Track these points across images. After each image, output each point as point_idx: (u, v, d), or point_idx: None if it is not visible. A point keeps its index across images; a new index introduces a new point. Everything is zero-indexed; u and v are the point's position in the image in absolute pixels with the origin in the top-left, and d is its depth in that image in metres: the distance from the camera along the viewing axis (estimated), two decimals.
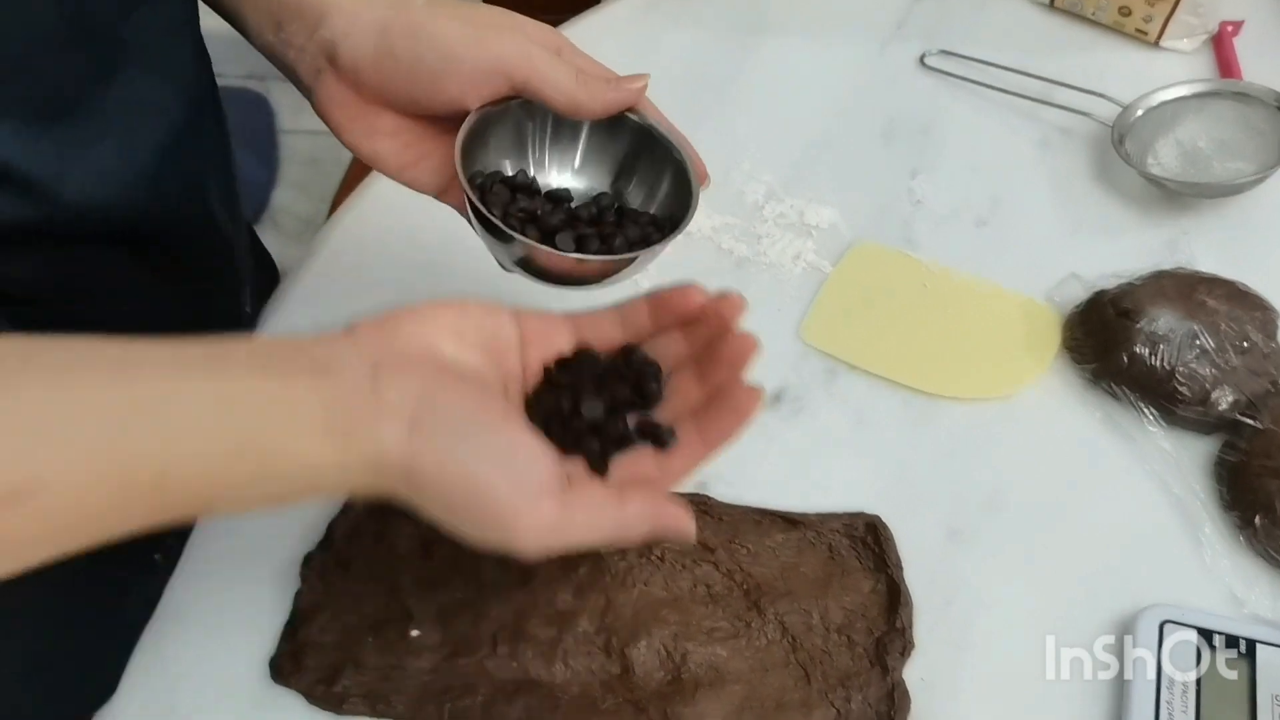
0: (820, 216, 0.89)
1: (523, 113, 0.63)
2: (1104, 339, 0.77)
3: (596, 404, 0.55)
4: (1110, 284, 0.81)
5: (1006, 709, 0.65)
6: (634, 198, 0.66)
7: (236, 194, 0.80)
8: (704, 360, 0.56)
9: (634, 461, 0.56)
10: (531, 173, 0.65)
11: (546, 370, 0.57)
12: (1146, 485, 0.72)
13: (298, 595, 0.68)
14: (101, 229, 0.63)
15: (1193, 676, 0.63)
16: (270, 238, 1.02)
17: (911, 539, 0.71)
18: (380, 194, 0.91)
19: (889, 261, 0.87)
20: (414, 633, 0.66)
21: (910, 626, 0.67)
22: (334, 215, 0.92)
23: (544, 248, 0.58)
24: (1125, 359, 0.75)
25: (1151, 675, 0.63)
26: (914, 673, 0.66)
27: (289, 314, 0.84)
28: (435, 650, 0.66)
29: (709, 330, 0.56)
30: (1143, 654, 0.64)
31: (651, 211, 0.65)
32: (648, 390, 0.57)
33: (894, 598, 0.68)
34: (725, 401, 0.55)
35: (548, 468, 0.49)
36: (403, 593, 0.67)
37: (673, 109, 0.66)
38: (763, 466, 0.75)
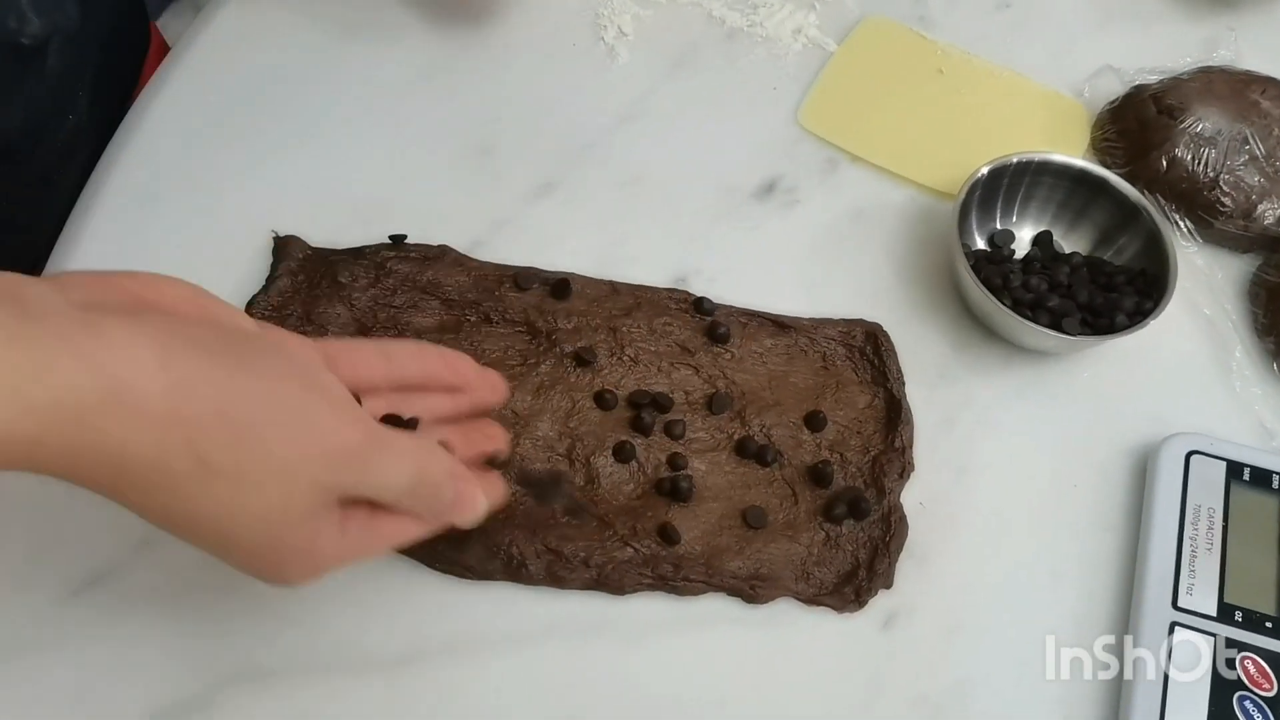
0: None
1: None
2: (1140, 139, 0.68)
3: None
4: (1149, 79, 0.72)
5: (1010, 540, 0.58)
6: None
7: None
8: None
9: None
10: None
11: None
12: (1175, 306, 0.64)
13: None
14: None
15: (1220, 511, 0.57)
16: None
17: (914, 352, 0.63)
18: None
19: (901, 41, 0.76)
20: None
21: (910, 447, 0.60)
22: None
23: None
24: (1164, 163, 0.67)
25: (1175, 507, 0.57)
26: (911, 497, 0.59)
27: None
28: None
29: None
30: (1166, 486, 0.58)
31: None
32: None
33: (893, 414, 0.61)
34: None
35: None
36: None
37: None
38: (749, 262, 0.66)
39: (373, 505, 0.42)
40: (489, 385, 0.52)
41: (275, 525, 0.39)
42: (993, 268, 0.63)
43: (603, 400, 0.59)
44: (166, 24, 1.27)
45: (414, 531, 0.44)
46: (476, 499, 0.45)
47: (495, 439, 0.51)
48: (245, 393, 0.37)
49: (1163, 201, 0.67)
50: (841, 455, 0.59)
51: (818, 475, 0.58)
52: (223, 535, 0.39)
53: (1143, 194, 0.64)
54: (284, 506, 0.38)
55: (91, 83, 0.69)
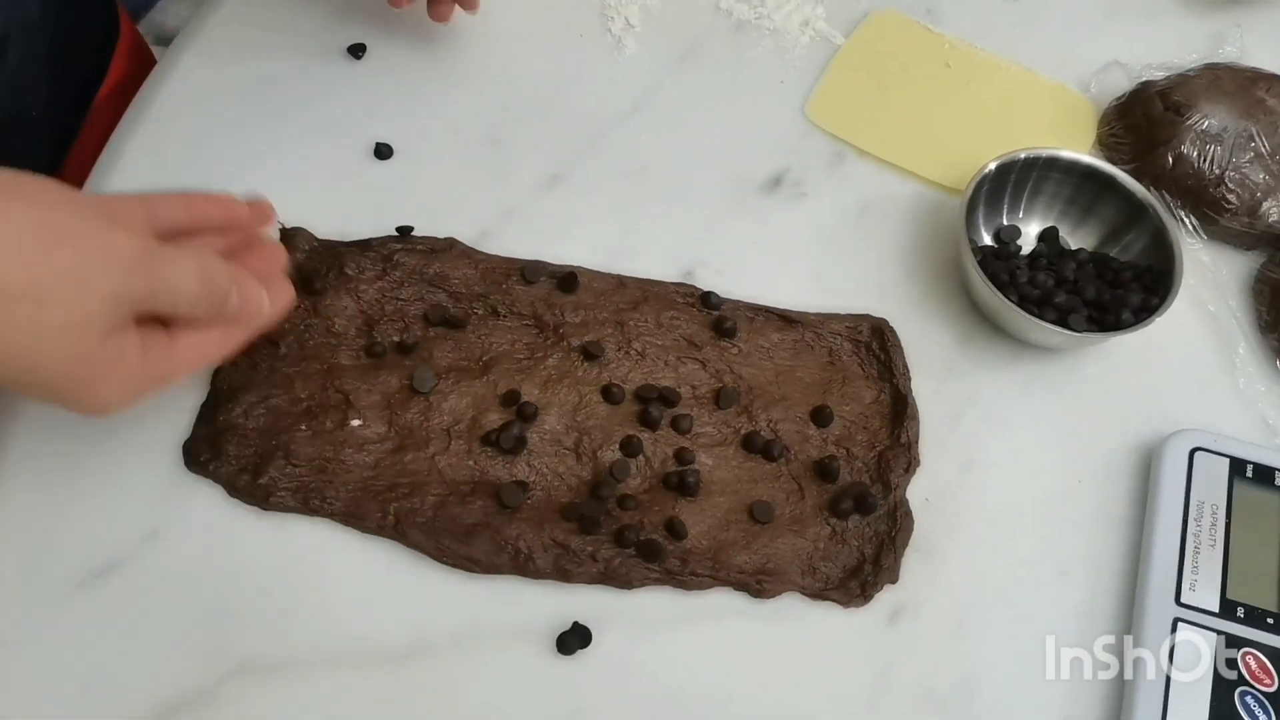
0: None
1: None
2: (1147, 136, 0.68)
3: None
4: (1156, 75, 0.72)
5: (1015, 535, 0.59)
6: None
7: None
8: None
9: None
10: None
11: None
12: (1180, 302, 0.64)
13: (217, 373, 0.58)
14: None
15: (1223, 507, 0.57)
16: None
17: (920, 347, 0.63)
18: None
19: (908, 34, 0.76)
20: (354, 422, 0.57)
21: (916, 442, 0.60)
22: None
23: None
24: (1170, 159, 0.67)
25: (1178, 503, 0.57)
26: (917, 493, 0.59)
27: None
28: (379, 443, 0.57)
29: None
30: (1170, 483, 0.58)
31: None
32: None
33: (899, 409, 0.61)
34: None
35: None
36: (342, 376, 0.58)
37: None
38: (756, 256, 0.66)
39: (168, 327, 0.45)
40: (260, 214, 0.54)
41: (78, 339, 0.41)
42: (999, 263, 0.63)
43: (610, 394, 0.59)
44: (165, 9, 1.26)
45: (211, 344, 0.47)
46: (261, 297, 0.48)
47: (277, 258, 0.54)
48: (30, 219, 0.39)
49: (1169, 198, 0.67)
50: (848, 450, 0.59)
51: (824, 470, 0.58)
52: (31, 358, 0.41)
53: (1149, 190, 0.64)
54: (83, 319, 0.40)
55: (52, 76, 0.68)
